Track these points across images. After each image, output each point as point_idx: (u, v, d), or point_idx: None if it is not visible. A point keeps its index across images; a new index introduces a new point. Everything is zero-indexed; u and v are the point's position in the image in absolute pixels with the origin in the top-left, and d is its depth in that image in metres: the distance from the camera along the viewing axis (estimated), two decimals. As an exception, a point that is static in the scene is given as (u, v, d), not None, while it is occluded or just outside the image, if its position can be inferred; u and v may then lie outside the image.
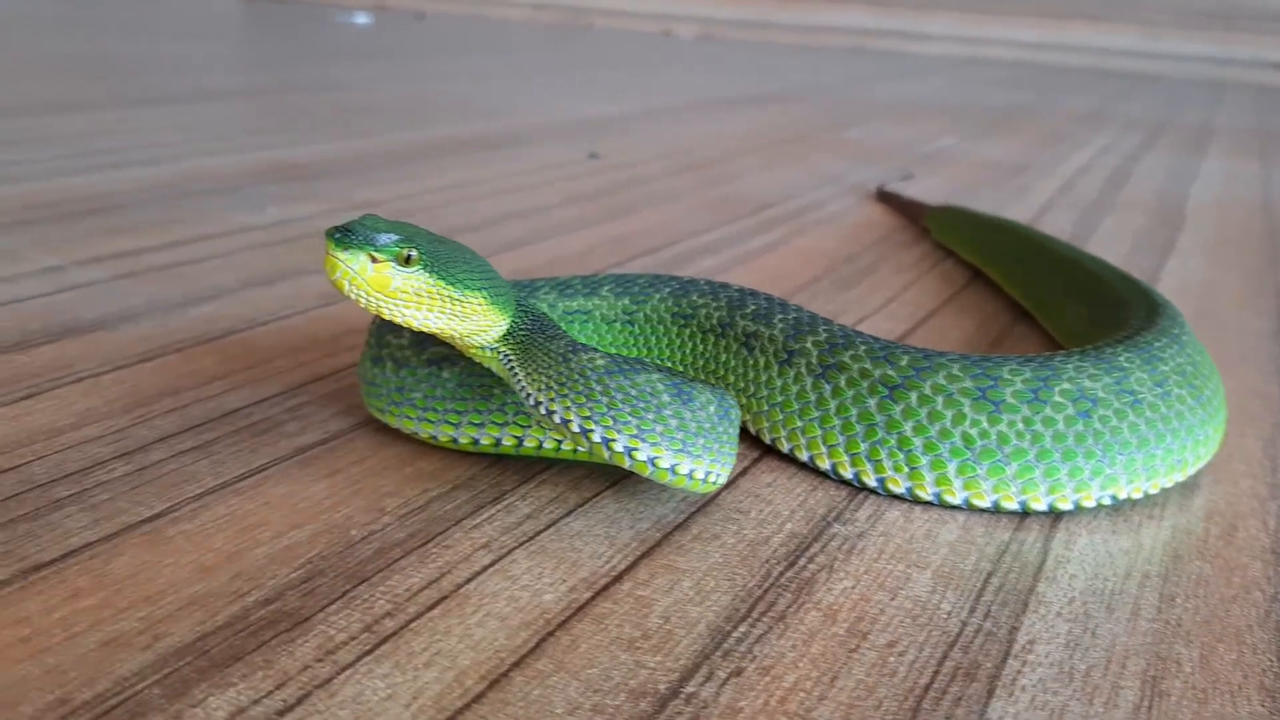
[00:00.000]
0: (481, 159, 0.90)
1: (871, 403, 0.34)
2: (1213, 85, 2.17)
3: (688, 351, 0.39)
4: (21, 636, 0.25)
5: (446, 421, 0.35)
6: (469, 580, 0.28)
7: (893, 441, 0.34)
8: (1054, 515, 0.34)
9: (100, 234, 0.59)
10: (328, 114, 1.09)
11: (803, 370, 0.36)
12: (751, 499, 0.34)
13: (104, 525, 0.30)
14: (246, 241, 0.60)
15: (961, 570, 0.31)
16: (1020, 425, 0.33)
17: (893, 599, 0.29)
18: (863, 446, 0.34)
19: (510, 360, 0.32)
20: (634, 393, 0.29)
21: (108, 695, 0.23)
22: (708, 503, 0.33)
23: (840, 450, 0.35)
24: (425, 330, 0.31)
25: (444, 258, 0.30)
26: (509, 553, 0.30)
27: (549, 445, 0.34)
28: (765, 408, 0.36)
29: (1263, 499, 0.36)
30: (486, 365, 0.33)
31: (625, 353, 0.40)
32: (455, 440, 0.35)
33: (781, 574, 0.30)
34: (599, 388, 0.29)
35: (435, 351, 0.35)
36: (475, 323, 0.31)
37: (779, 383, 0.36)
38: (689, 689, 0.24)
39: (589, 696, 0.24)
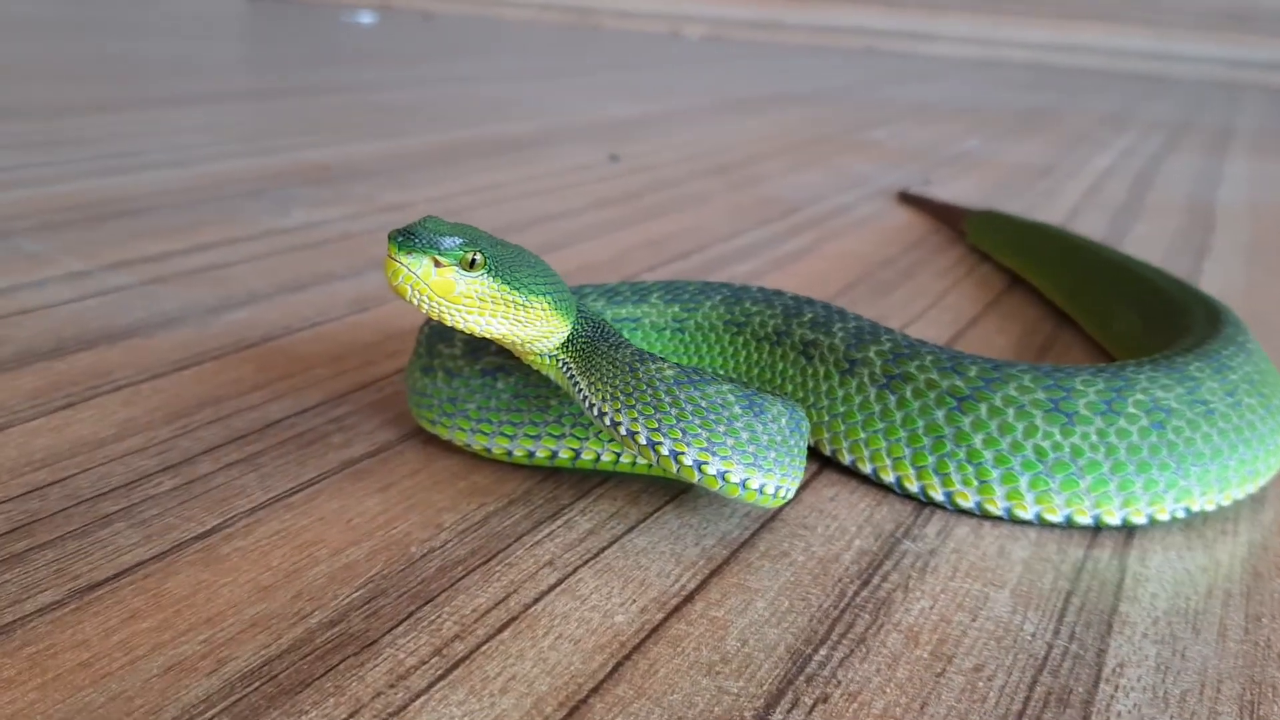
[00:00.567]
0: (504, 161, 0.89)
1: (939, 414, 0.33)
2: (1228, 87, 2.16)
3: (741, 360, 0.38)
4: (82, 661, 0.24)
5: (501, 434, 0.34)
6: (536, 600, 0.27)
7: (962, 454, 0.33)
8: (1127, 529, 0.33)
9: (126, 237, 0.58)
10: (348, 115, 1.09)
11: (865, 380, 0.35)
12: (816, 514, 0.33)
13: (155, 542, 0.29)
14: (274, 245, 0.59)
15: (1040, 589, 0.30)
16: (1095, 437, 0.32)
17: (974, 620, 0.28)
18: (930, 459, 0.33)
19: (570, 368, 0.31)
20: (704, 404, 0.28)
21: (175, 724, 0.22)
22: (772, 518, 0.32)
23: (906, 463, 0.34)
24: (486, 336, 0.30)
25: (508, 261, 0.29)
26: (574, 571, 0.29)
27: (606, 458, 0.33)
28: (826, 418, 0.35)
29: (1338, 513, 0.35)
30: (545, 373, 0.32)
31: (676, 361, 0.39)
32: (510, 453, 0.34)
33: (856, 593, 0.29)
34: (668, 399, 0.28)
35: (490, 361, 0.34)
36: (538, 329, 0.30)
37: (840, 393, 0.35)
38: (776, 717, 0.24)
39: (673, 725, 0.23)
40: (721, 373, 0.39)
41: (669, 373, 0.29)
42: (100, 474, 0.32)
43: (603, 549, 0.30)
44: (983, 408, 0.33)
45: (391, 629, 0.26)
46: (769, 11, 2.75)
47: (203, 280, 0.52)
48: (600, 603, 0.27)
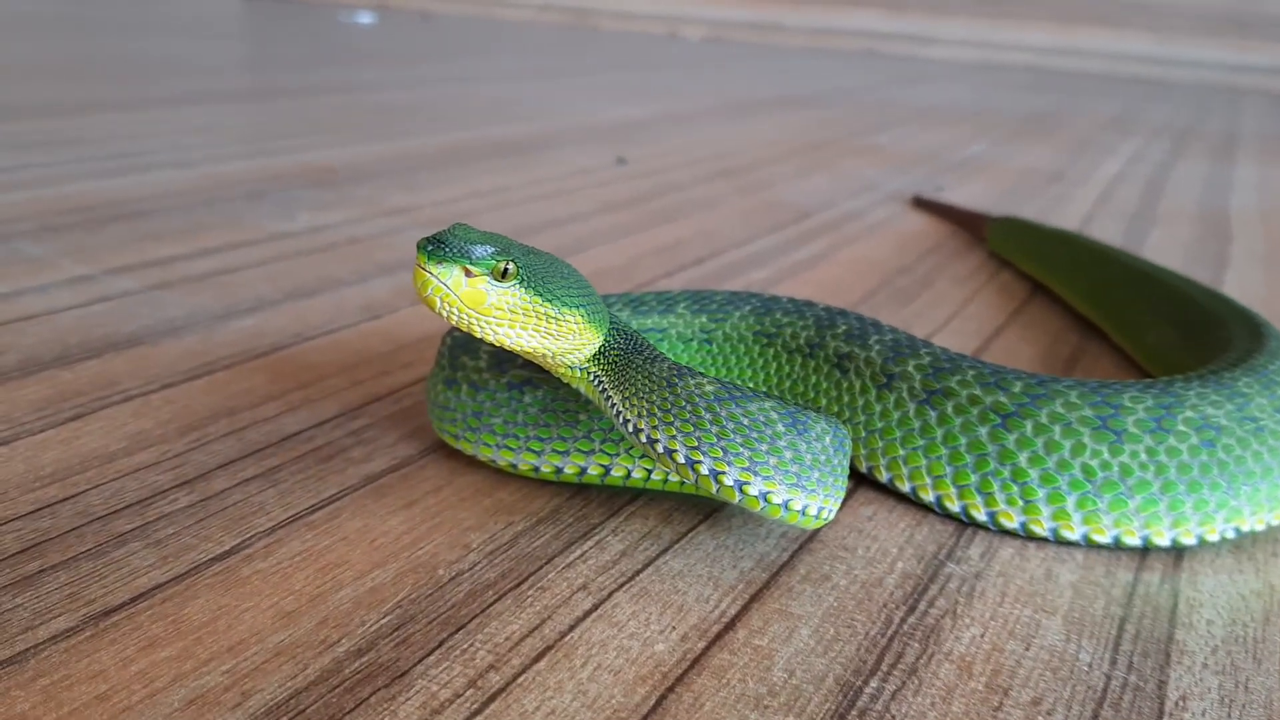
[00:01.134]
0: (508, 164, 0.88)
1: (982, 431, 0.32)
2: (1229, 91, 2.16)
3: (771, 372, 0.37)
4: (99, 693, 0.22)
5: (528, 449, 0.32)
6: (572, 628, 0.26)
7: (1006, 473, 0.32)
8: (1175, 551, 0.32)
9: (130, 241, 0.57)
10: (351, 116, 1.07)
11: (904, 395, 0.33)
12: (855, 534, 0.32)
13: (172, 564, 0.27)
14: (281, 250, 0.58)
15: (1093, 615, 0.28)
16: (1144, 456, 0.31)
17: (1027, 649, 0.27)
18: (973, 478, 0.32)
19: (602, 381, 0.30)
20: (746, 421, 0.27)
21: (200, 764, 0.21)
22: (810, 538, 0.31)
23: (947, 481, 0.33)
24: (516, 349, 0.28)
25: (541, 271, 0.28)
26: (609, 595, 0.28)
27: (638, 474, 0.32)
28: (862, 434, 0.34)
29: (1390, 534, 0.34)
30: (575, 386, 0.31)
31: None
32: (537, 469, 0.32)
33: (903, 620, 0.27)
34: (708, 415, 0.27)
35: (516, 374, 0.33)
36: (570, 341, 0.29)
37: (878, 408, 0.34)
38: (832, 755, 0.22)
39: (725, 764, 0.22)
40: (751, 385, 0.37)
41: (709, 388, 0.28)
42: (113, 489, 0.31)
43: (637, 572, 0.29)
44: (1028, 424, 0.32)
45: (423, 658, 0.24)
46: (768, 13, 2.74)
47: (208, 286, 0.51)
48: (639, 630, 0.26)
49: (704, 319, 0.38)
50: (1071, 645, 0.27)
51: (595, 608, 0.27)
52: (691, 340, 0.38)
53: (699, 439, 0.27)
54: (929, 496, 0.33)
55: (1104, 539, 0.31)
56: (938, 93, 1.80)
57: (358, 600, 0.26)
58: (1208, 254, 0.73)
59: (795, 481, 0.28)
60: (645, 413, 0.28)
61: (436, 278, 0.27)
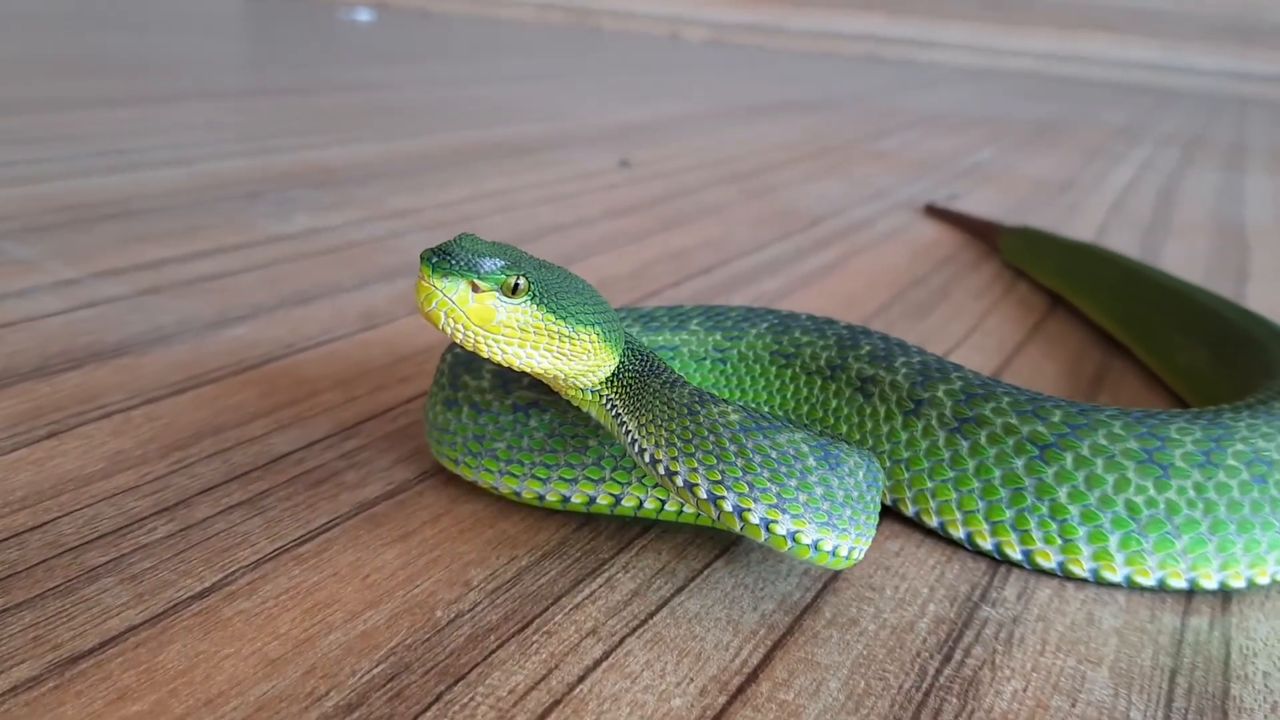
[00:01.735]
0: (511, 166, 0.86)
1: (1018, 463, 0.30)
2: (1235, 100, 2.14)
3: (789, 395, 0.35)
4: (61, 756, 0.20)
5: (534, 476, 0.30)
6: (581, 679, 0.24)
7: (1044, 509, 0.30)
8: (1223, 594, 0.30)
9: (120, 242, 0.55)
10: (351, 115, 1.05)
11: (934, 423, 0.31)
12: (882, 572, 0.30)
13: (148, 602, 0.25)
14: (276, 253, 0.56)
15: (1141, 666, 0.26)
16: (1192, 492, 0.29)
17: (1073, 705, 0.25)
18: (1007, 514, 0.30)
19: (616, 406, 0.28)
20: (774, 455, 0.25)
21: (171, 841, 0.19)
22: (834, 577, 0.29)
23: (979, 517, 0.30)
24: (526, 370, 0.26)
25: (554, 287, 0.26)
26: (621, 641, 0.25)
27: (650, 505, 0.30)
28: (887, 464, 0.32)
29: None
30: (585, 410, 0.29)
31: (717, 395, 0.36)
32: (541, 498, 0.30)
33: (939, 671, 0.25)
34: (733, 448, 0.25)
35: (521, 395, 0.31)
36: (584, 362, 0.27)
37: (904, 436, 0.32)
38: (869, 832, 0.20)
39: (752, 842, 0.20)
40: (767, 408, 0.35)
41: (734, 417, 0.26)
42: (86, 517, 0.29)
43: (651, 614, 0.27)
44: (1068, 457, 0.30)
45: (419, 715, 0.22)
46: (770, 16, 2.72)
47: (200, 291, 0.49)
48: (653, 682, 0.24)
49: (718, 336, 0.36)
50: (1121, 701, 0.25)
51: (606, 655, 0.25)
52: (705, 359, 0.36)
53: (723, 472, 0.25)
54: (959, 533, 0.31)
55: (1148, 581, 0.29)
56: (942, 98, 1.78)
57: (348, 646, 0.24)
58: (1228, 267, 0.71)
59: (826, 520, 0.25)
60: (664, 442, 0.26)
61: (442, 292, 0.25)
